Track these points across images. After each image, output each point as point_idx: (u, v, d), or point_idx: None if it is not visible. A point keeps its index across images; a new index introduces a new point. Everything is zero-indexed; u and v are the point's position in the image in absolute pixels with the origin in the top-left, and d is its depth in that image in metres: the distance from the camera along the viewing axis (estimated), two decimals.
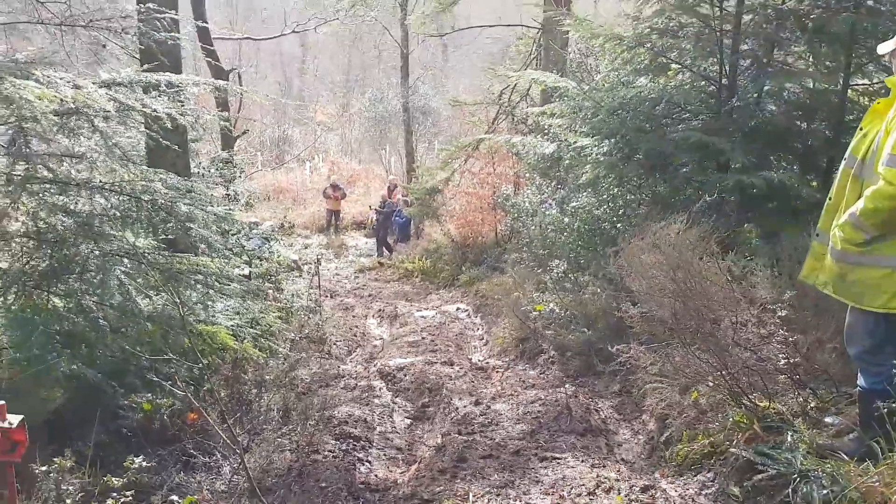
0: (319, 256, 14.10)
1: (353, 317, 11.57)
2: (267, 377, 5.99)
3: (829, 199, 3.43)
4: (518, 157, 11.05)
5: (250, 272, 6.18)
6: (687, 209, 5.14)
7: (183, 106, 4.18)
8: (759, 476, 3.37)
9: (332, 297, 13.61)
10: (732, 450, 3.61)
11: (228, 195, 7.88)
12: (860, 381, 3.31)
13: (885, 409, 3.05)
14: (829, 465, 3.19)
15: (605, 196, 6.75)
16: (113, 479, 2.61)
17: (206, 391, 4.64)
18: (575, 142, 6.60)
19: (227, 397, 4.96)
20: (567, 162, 7.60)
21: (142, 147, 5.93)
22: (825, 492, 3.10)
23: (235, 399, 5.13)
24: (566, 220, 7.45)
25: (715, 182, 5.27)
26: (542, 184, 9.72)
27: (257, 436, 4.98)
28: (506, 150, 11.80)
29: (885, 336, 3.18)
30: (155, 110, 3.75)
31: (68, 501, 2.81)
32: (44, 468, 2.66)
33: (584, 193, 7.41)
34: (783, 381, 3.83)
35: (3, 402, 2.65)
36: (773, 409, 3.69)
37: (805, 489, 3.19)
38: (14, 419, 2.69)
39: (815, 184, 5.78)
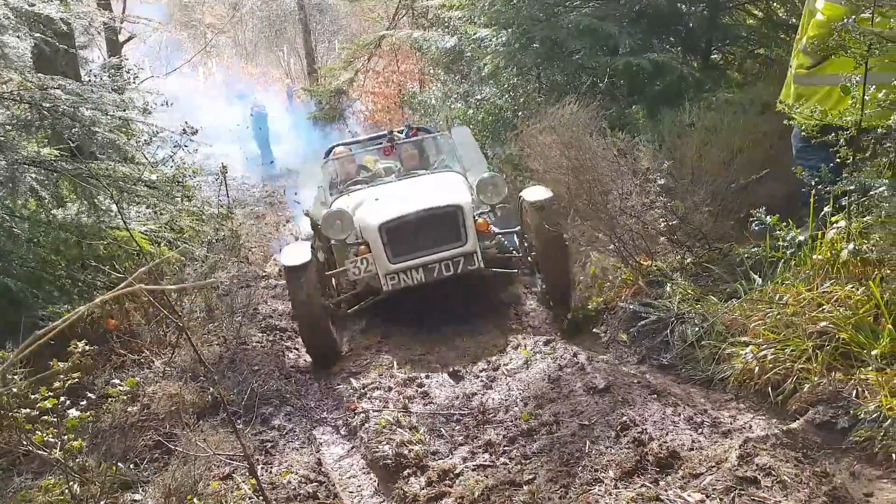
0: (224, 164, 13.78)
1: (266, 224, 11.55)
2: (187, 279, 6.08)
3: (797, 35, 4.04)
4: (421, 53, 11.03)
5: (156, 178, 6.13)
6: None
7: (72, 8, 4.03)
8: (643, 322, 3.89)
9: (241, 206, 13.47)
10: (621, 304, 4.11)
11: (123, 101, 7.60)
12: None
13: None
14: (700, 307, 3.70)
15: (506, 86, 6.98)
16: (59, 363, 2.76)
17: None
18: (475, 33, 6.73)
19: (148, 302, 5.06)
20: (469, 54, 7.74)
21: (27, 54, 5.67)
22: (697, 328, 3.63)
23: (157, 301, 5.23)
24: (471, 112, 7.67)
25: (605, 66, 5.59)
26: (447, 79, 9.81)
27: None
28: (408, 46, 11.73)
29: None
30: (49, 15, 3.63)
31: (14, 389, 2.96)
32: None
33: (487, 85, 7.61)
34: (664, 242, 4.31)
35: None
36: (656, 266, 4.18)
37: (681, 328, 3.72)
38: None
39: (695, 63, 6.20)
